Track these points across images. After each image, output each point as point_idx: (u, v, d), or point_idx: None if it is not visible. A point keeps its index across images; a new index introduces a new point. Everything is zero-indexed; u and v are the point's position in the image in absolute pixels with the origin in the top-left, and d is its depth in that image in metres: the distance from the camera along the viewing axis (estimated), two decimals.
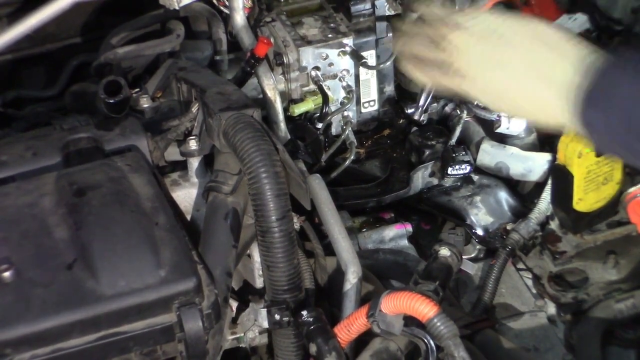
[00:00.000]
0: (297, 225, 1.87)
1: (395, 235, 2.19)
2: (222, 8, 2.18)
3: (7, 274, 1.45)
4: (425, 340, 1.59)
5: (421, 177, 2.29)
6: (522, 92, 1.33)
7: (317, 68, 2.22)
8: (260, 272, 1.84)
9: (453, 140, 2.28)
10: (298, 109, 2.20)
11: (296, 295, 1.67)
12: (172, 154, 1.87)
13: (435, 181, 2.30)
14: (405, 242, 2.18)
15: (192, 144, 1.83)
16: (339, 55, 2.23)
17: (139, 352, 1.50)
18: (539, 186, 2.21)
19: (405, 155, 2.35)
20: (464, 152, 2.24)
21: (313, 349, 1.60)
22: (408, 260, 2.12)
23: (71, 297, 1.44)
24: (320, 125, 2.21)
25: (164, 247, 1.51)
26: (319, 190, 1.88)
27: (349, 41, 2.23)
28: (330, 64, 2.23)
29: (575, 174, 1.99)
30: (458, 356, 1.53)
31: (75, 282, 1.46)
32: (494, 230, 2.23)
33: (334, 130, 2.30)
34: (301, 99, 2.23)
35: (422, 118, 2.37)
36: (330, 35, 2.23)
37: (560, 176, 2.03)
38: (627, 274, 2.12)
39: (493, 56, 1.35)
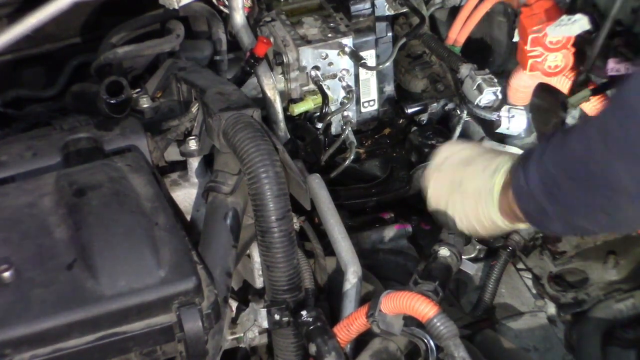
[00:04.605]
0: (297, 226, 1.87)
1: (395, 235, 2.19)
2: (221, 8, 2.18)
3: (7, 274, 1.45)
4: (425, 341, 1.58)
5: (421, 177, 2.28)
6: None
7: (316, 68, 2.21)
8: (260, 272, 1.84)
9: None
10: (298, 109, 2.20)
11: (296, 295, 1.67)
12: (172, 154, 1.87)
13: None
14: (405, 242, 2.18)
15: (192, 144, 1.83)
16: (338, 55, 2.22)
17: (139, 352, 1.50)
18: None
19: (405, 155, 2.35)
20: None
21: (313, 349, 1.60)
22: (408, 261, 2.12)
23: (71, 297, 1.44)
24: (320, 125, 2.20)
25: (164, 247, 1.51)
26: (319, 190, 1.87)
27: (348, 41, 2.22)
28: (330, 64, 2.23)
29: None
30: (458, 356, 1.53)
31: (75, 282, 1.46)
32: None
33: (333, 130, 2.29)
34: (301, 99, 2.22)
35: (422, 118, 2.38)
36: (330, 35, 2.23)
37: None
38: (627, 274, 2.12)
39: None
